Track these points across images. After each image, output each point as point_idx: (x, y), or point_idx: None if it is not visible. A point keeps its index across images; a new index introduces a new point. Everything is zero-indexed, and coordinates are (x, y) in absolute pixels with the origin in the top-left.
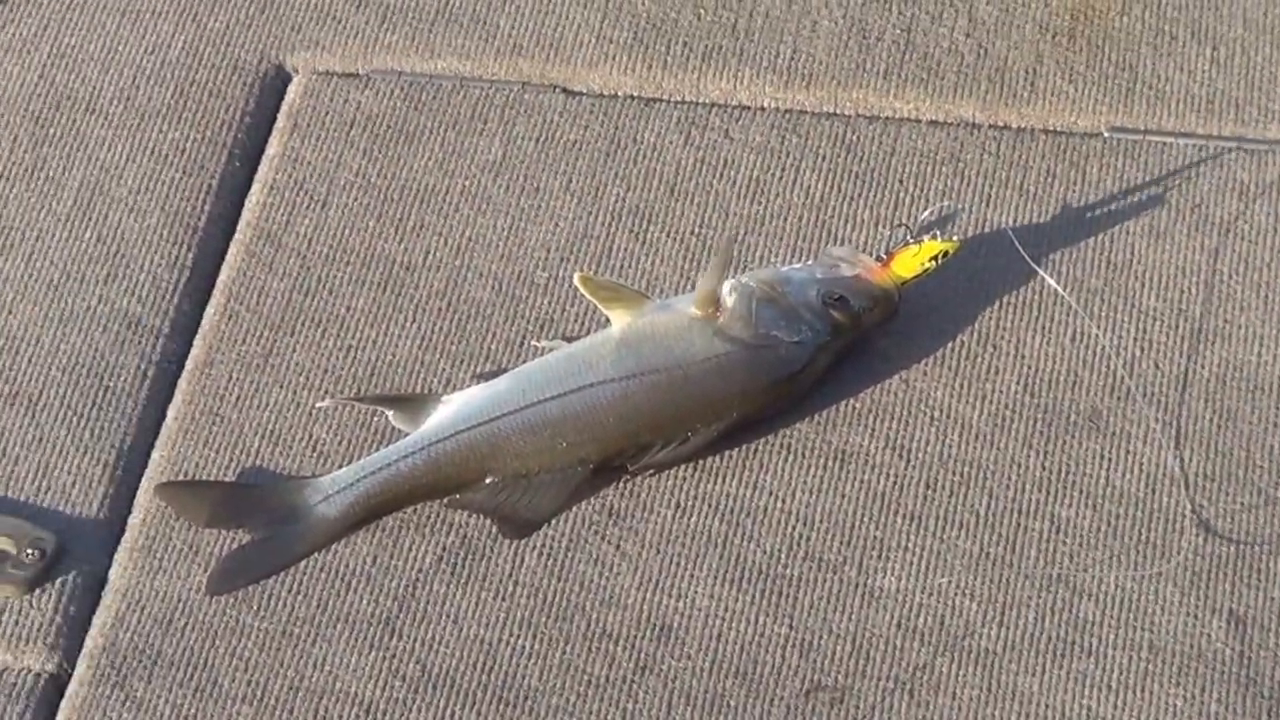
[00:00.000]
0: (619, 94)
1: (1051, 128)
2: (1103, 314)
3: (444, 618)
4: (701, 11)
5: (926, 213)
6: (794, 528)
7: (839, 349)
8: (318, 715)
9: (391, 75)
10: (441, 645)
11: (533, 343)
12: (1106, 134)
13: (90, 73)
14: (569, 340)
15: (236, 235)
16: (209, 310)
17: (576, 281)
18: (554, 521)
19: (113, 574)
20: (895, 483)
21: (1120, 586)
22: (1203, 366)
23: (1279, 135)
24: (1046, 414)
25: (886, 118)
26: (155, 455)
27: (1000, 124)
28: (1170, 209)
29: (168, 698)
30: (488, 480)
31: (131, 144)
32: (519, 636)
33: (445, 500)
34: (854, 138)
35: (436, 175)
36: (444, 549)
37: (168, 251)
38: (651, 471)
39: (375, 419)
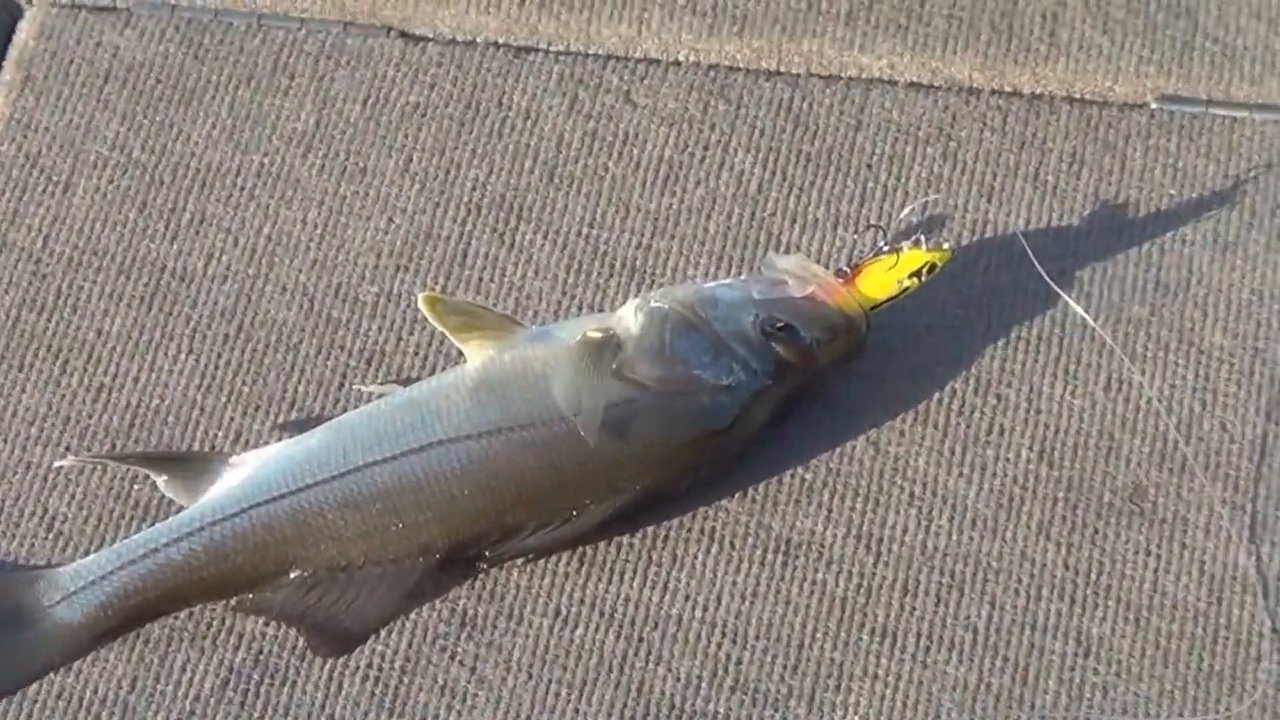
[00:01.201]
0: (478, 40)
1: (1079, 95)
2: (1149, 354)
3: None
4: None
5: (906, 210)
6: (720, 647)
7: (783, 397)
8: None
9: (163, 9)
10: None
11: (357, 385)
12: (1154, 105)
13: None
14: (406, 383)
15: None
16: None
17: (420, 302)
18: (384, 633)
19: None
20: (861, 585)
21: None
22: None
23: None
24: (1072, 493)
25: (850, 78)
26: None
27: (1008, 89)
28: (1242, 211)
29: None
30: (293, 574)
31: None
32: None
33: (234, 602)
34: (804, 105)
35: (225, 150)
36: (231, 670)
37: None
38: (521, 564)
39: (137, 486)
